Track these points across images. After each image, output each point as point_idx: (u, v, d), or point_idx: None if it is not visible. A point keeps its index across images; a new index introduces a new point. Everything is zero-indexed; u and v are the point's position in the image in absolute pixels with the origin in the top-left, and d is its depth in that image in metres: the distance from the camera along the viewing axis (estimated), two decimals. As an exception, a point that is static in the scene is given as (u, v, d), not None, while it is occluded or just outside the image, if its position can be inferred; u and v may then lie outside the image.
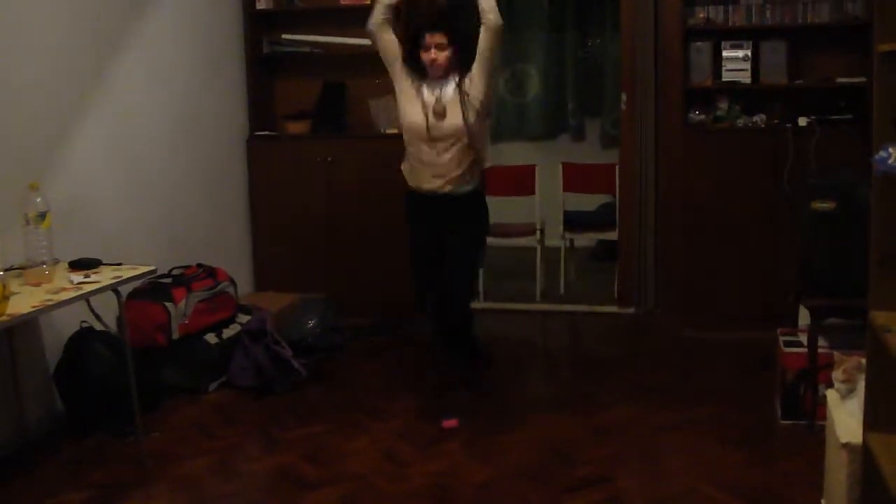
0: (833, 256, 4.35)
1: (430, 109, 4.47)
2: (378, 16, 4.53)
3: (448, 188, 4.56)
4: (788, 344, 4.59)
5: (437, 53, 4.44)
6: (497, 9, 4.40)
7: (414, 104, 4.51)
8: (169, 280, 5.23)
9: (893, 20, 2.66)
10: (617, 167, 6.72)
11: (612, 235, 6.90)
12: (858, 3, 5.76)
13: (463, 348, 4.86)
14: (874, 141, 2.75)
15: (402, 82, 4.58)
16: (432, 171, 4.55)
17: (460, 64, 4.48)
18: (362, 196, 6.44)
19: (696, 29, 6.00)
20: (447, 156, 4.51)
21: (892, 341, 2.58)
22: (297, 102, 6.72)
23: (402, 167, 4.73)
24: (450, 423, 4.64)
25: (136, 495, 3.96)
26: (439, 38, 4.44)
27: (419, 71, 4.54)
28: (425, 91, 4.52)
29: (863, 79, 5.67)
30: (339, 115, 6.55)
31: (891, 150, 2.59)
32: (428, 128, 4.47)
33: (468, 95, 4.44)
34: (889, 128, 2.70)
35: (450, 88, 4.49)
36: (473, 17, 4.45)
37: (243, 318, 5.53)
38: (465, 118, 4.43)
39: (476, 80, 4.45)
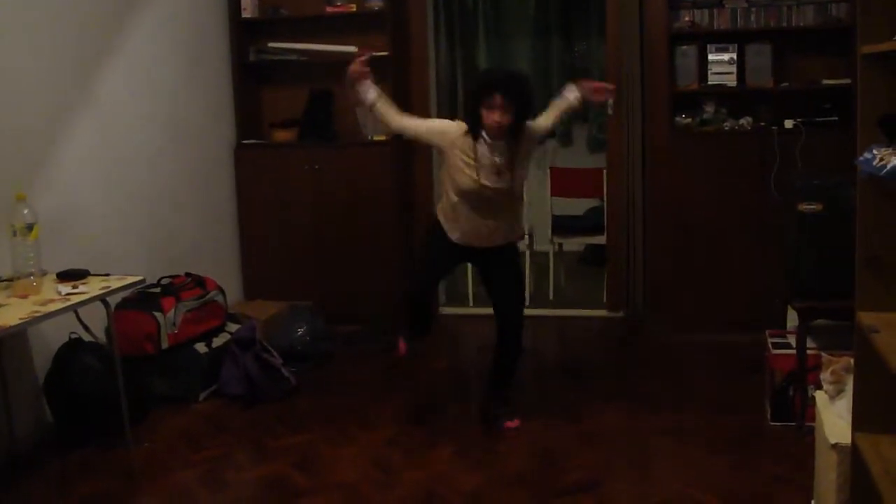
0: (820, 258, 4.36)
1: (489, 169, 4.44)
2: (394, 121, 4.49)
3: (500, 241, 4.63)
4: (777, 346, 4.61)
5: (500, 116, 4.34)
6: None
7: (471, 168, 4.44)
8: (158, 289, 5.22)
9: (876, 22, 2.68)
10: (604, 171, 6.73)
11: (601, 240, 6.92)
12: (842, 6, 5.77)
13: (517, 357, 4.84)
14: (859, 143, 2.76)
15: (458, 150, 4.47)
16: (489, 228, 4.55)
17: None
18: (350, 203, 6.44)
19: (682, 33, 6.01)
20: (504, 208, 4.56)
21: (879, 342, 2.59)
22: (283, 110, 6.72)
23: (446, 218, 4.61)
24: (514, 423, 4.69)
25: (126, 506, 3.96)
26: (503, 101, 4.32)
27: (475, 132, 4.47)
28: (480, 150, 4.45)
29: (847, 81, 5.69)
30: (326, 123, 6.55)
31: (875, 151, 2.60)
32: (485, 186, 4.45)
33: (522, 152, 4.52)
34: (873, 129, 2.71)
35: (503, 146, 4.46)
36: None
37: (232, 327, 5.52)
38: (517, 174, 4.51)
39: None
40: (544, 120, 4.63)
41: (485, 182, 4.39)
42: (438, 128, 4.55)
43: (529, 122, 4.49)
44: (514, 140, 4.41)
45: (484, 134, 4.40)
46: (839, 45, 5.80)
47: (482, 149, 4.40)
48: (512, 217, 4.64)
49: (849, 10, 5.72)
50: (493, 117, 4.31)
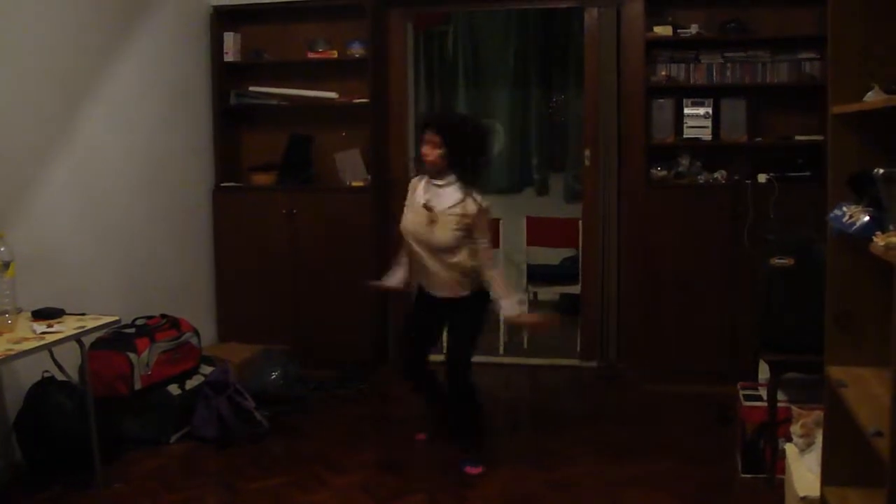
0: (792, 312, 4.39)
1: (418, 213, 4.65)
2: None
3: (447, 294, 4.75)
4: (748, 398, 4.63)
5: (429, 150, 4.59)
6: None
7: (413, 208, 4.64)
8: (132, 330, 5.21)
9: (846, 84, 2.75)
10: (580, 221, 6.78)
11: (575, 289, 6.94)
12: (815, 63, 5.88)
13: (467, 404, 4.89)
14: (829, 200, 2.82)
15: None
16: (431, 277, 4.73)
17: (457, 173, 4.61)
18: (327, 248, 6.45)
19: (659, 87, 6.09)
20: (442, 264, 4.66)
21: (848, 396, 2.62)
22: (263, 154, 6.74)
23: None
24: (474, 469, 4.70)
25: (95, 548, 3.92)
26: (431, 136, 4.59)
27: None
28: (420, 192, 4.71)
29: (820, 137, 5.76)
30: (305, 168, 6.57)
31: (845, 208, 2.65)
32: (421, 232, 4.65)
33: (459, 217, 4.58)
34: (843, 187, 2.76)
35: (445, 199, 4.62)
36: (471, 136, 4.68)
37: (206, 370, 5.50)
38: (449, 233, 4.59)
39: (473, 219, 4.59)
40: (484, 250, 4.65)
41: (408, 226, 4.66)
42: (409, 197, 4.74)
43: (477, 200, 4.57)
44: (456, 191, 4.59)
45: (428, 177, 4.67)
46: (812, 102, 5.88)
47: (420, 190, 4.67)
48: (451, 275, 4.68)
49: (821, 68, 5.82)
50: (423, 150, 4.61)
